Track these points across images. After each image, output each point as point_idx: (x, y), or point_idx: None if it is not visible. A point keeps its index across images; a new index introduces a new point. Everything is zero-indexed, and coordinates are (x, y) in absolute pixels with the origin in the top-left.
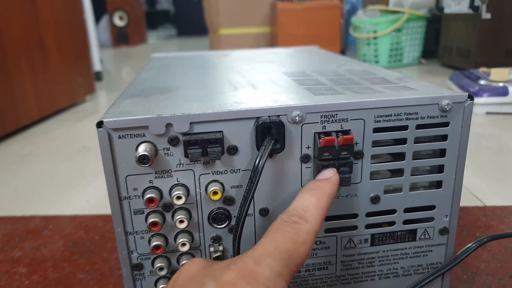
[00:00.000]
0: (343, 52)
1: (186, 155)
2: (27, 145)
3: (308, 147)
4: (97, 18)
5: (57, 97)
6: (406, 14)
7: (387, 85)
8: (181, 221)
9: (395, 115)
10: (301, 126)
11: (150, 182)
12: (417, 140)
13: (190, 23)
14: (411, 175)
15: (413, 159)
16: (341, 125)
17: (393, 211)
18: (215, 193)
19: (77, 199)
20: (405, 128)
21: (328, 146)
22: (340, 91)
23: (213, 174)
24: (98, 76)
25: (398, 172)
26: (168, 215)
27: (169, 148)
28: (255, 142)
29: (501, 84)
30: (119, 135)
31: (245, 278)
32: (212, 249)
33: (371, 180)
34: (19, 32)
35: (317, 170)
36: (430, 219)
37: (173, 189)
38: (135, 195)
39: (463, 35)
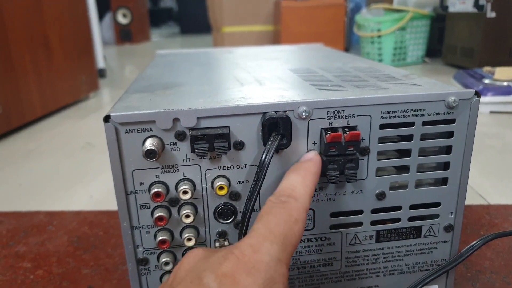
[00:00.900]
0: (346, 50)
1: (193, 150)
2: (31, 141)
3: (315, 143)
4: (101, 16)
5: (61, 94)
6: (410, 13)
7: (393, 82)
8: (187, 216)
9: (401, 111)
10: (308, 122)
11: (156, 177)
12: (423, 137)
13: (194, 21)
14: (417, 172)
15: (419, 155)
16: (348, 121)
17: (398, 208)
18: (221, 188)
19: (81, 195)
20: (411, 124)
21: (334, 142)
22: (347, 87)
23: (219, 169)
24: (101, 73)
25: (404, 169)
26: (174, 210)
27: (175, 143)
28: (261, 137)
29: (505, 83)
30: (126, 130)
31: (244, 267)
32: (217, 244)
33: (377, 176)
34: (23, 29)
35: (323, 166)
36: (435, 216)
37: (180, 184)
38: (142, 190)
39: (468, 34)
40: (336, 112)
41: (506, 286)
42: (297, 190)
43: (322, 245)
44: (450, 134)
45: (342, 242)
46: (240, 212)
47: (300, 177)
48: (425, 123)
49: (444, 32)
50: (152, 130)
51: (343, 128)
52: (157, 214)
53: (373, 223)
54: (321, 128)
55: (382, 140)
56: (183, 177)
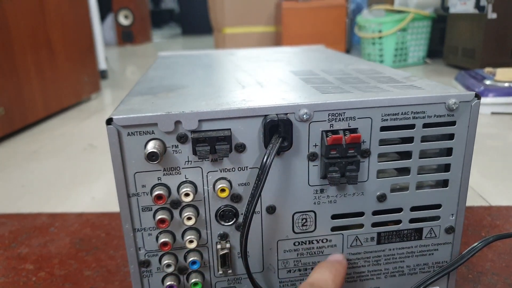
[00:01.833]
0: (347, 51)
1: (195, 153)
2: (34, 142)
3: (316, 145)
4: (103, 17)
5: (63, 95)
6: (411, 14)
7: (394, 84)
8: (189, 218)
9: (402, 113)
10: (309, 124)
11: (158, 179)
12: (424, 139)
13: (195, 22)
14: (418, 174)
15: (420, 157)
16: (349, 123)
17: (399, 210)
18: (222, 190)
19: (83, 196)
20: (412, 126)
21: (335, 144)
22: (348, 90)
23: (221, 172)
24: (103, 74)
25: (405, 171)
26: (176, 212)
27: (177, 145)
28: (262, 140)
29: (506, 84)
30: (128, 132)
31: None
32: (219, 246)
33: (377, 178)
34: (26, 29)
35: (324, 168)
36: (436, 218)
37: (181, 186)
38: (144, 192)
39: (469, 35)
40: (337, 115)
41: (507, 287)
42: (329, 286)
43: (324, 247)
44: (450, 136)
45: (343, 244)
46: (242, 214)
47: (332, 275)
48: (425, 125)
49: (445, 33)
50: (154, 133)
51: (344, 130)
52: (159, 216)
53: (374, 225)
54: (322, 131)
55: (383, 142)
56: (184, 180)
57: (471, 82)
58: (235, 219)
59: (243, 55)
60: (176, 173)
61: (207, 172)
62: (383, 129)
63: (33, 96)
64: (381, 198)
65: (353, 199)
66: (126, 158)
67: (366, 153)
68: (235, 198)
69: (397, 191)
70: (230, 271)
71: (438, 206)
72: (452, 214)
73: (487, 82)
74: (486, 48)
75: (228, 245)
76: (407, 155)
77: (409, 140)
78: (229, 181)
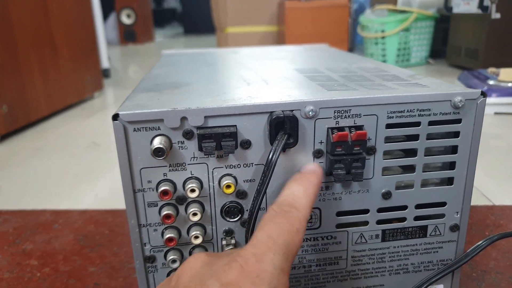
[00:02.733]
0: (350, 51)
1: (200, 149)
2: (37, 140)
3: (321, 142)
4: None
5: (66, 93)
6: (414, 14)
7: (399, 82)
8: (195, 214)
9: (408, 111)
10: (314, 121)
11: (164, 175)
12: (429, 137)
13: (197, 21)
14: (423, 172)
15: (425, 155)
16: (354, 120)
17: (404, 207)
18: (228, 186)
19: (87, 193)
20: (417, 124)
21: (341, 141)
22: (353, 87)
23: (226, 168)
24: (106, 73)
25: (410, 169)
26: (181, 208)
27: (183, 141)
28: (268, 136)
29: (510, 85)
30: (135, 128)
31: (248, 277)
32: (224, 242)
33: (383, 176)
34: (30, 28)
35: (330, 165)
36: (441, 215)
37: (187, 182)
38: (149, 188)
39: (472, 35)
40: (342, 112)
41: (511, 286)
42: (299, 200)
43: (328, 244)
44: (456, 134)
45: (348, 241)
46: (247, 210)
47: (302, 188)
48: (431, 123)
49: (448, 33)
50: (160, 129)
51: (350, 127)
52: (165, 212)
53: (379, 222)
54: (327, 128)
55: (388, 139)
56: (190, 176)
57: (474, 82)
58: (240, 215)
59: (246, 53)
60: (182, 169)
61: (212, 168)
62: (388, 126)
63: (36, 94)
64: (386, 195)
65: (358, 196)
66: (132, 154)
67: (372, 150)
68: (241, 194)
69: (402, 188)
70: None
71: (443, 204)
72: (457, 212)
73: (491, 82)
74: (489, 48)
75: (233, 241)
76: (412, 152)
77: (415, 137)
78: (235, 178)
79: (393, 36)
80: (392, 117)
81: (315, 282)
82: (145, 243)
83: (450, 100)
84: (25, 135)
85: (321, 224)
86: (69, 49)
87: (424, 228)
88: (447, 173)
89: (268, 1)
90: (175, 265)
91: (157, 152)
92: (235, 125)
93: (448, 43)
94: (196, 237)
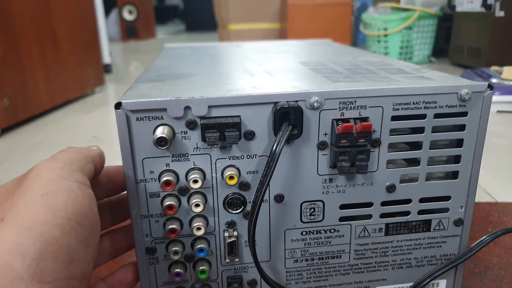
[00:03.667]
0: None
1: (204, 139)
2: (38, 134)
3: (326, 134)
4: (107, 12)
5: (68, 88)
6: (417, 12)
7: (405, 75)
8: (197, 205)
9: (413, 103)
10: (319, 112)
11: (167, 165)
12: (435, 130)
13: (199, 18)
14: (428, 165)
15: (430, 148)
16: (360, 112)
17: (408, 201)
18: (231, 177)
19: None
20: (423, 116)
21: (346, 133)
22: (358, 79)
23: (229, 159)
24: (107, 68)
25: (415, 162)
26: (183, 199)
27: (186, 131)
28: (272, 127)
29: None
30: (137, 117)
31: None
32: (226, 234)
33: (387, 169)
34: (31, 21)
35: (334, 157)
36: (445, 210)
37: (190, 173)
38: (152, 178)
39: (475, 34)
40: (348, 103)
41: None
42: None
43: (331, 237)
44: (462, 127)
45: (351, 234)
46: (250, 202)
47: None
48: (437, 116)
49: (451, 32)
50: (163, 118)
51: (355, 119)
52: (167, 203)
53: (383, 215)
54: (332, 119)
55: (393, 132)
56: (193, 166)
57: (477, 80)
58: (243, 207)
59: (249, 47)
60: (184, 159)
61: (215, 159)
62: (394, 118)
63: (37, 88)
64: (390, 188)
65: (362, 189)
66: (134, 143)
67: (377, 143)
68: (244, 186)
69: (407, 182)
70: (237, 260)
71: (447, 198)
72: (461, 207)
73: (494, 80)
74: (492, 46)
75: (235, 233)
76: (417, 145)
77: (420, 130)
78: (238, 169)
79: (395, 34)
80: (398, 109)
81: (317, 275)
82: (146, 234)
83: (457, 93)
84: (26, 129)
85: (324, 217)
86: (71, 44)
87: (428, 222)
88: (452, 167)
89: None
90: (176, 257)
91: (160, 142)
92: (239, 116)
93: (451, 41)
94: (199, 229)
